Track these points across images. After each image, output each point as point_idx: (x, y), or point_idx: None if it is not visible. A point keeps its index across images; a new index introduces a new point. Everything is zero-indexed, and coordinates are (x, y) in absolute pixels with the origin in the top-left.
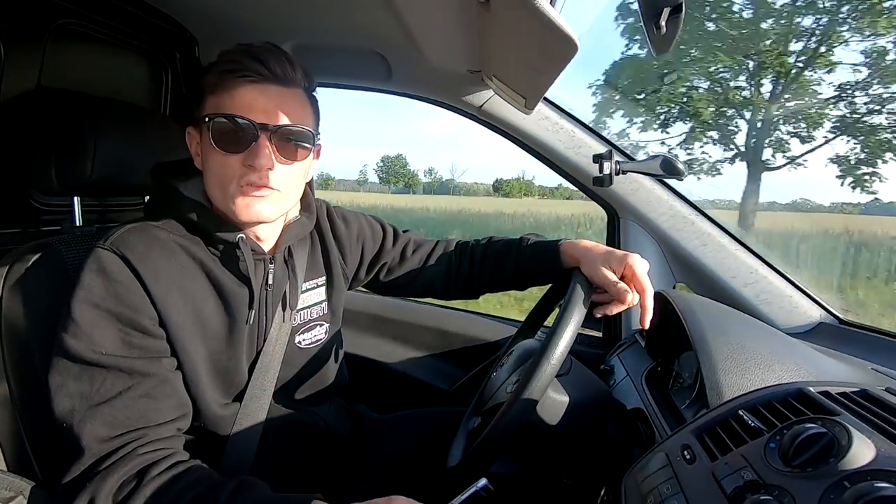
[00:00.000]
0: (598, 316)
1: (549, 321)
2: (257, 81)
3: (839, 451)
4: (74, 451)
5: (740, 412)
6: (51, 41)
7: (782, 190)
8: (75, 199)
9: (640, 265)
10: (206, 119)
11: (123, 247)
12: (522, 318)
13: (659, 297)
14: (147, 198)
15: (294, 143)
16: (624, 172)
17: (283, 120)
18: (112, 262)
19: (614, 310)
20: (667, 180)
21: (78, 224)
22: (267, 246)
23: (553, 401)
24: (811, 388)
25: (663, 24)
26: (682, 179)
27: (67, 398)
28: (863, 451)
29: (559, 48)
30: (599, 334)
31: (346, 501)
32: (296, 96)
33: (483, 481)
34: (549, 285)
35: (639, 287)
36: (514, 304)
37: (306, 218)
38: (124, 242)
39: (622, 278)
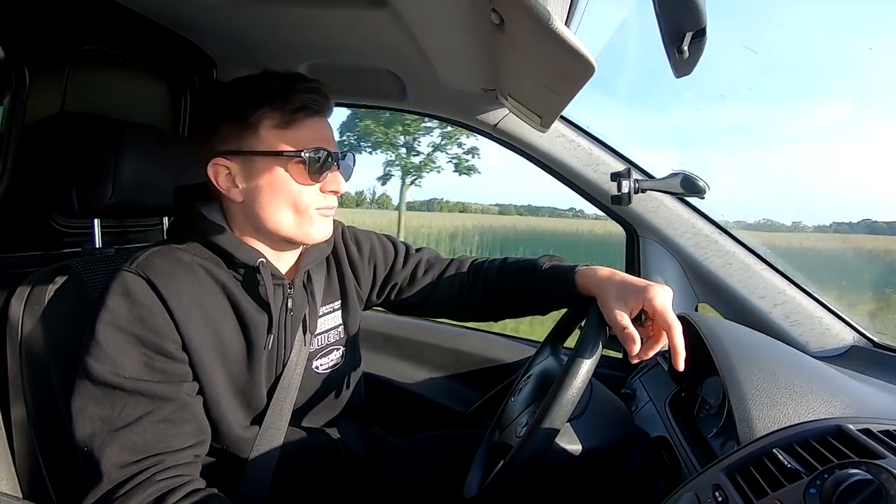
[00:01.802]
0: (635, 363)
1: (570, 341)
2: (322, 115)
3: (887, 501)
4: (93, 475)
5: (775, 451)
6: (73, 67)
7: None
8: (95, 221)
9: (661, 299)
10: (301, 154)
11: (148, 270)
12: (545, 334)
13: (681, 321)
14: (165, 219)
15: (347, 166)
16: (643, 191)
17: (336, 147)
18: (137, 285)
19: (649, 353)
20: (688, 198)
21: (98, 246)
22: (285, 270)
23: (565, 449)
24: (850, 426)
25: (686, 48)
26: (703, 197)
27: (88, 422)
28: None
29: (575, 69)
30: (620, 355)
31: None
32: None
33: None
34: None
35: (664, 324)
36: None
37: (325, 242)
38: (149, 266)
39: (643, 313)
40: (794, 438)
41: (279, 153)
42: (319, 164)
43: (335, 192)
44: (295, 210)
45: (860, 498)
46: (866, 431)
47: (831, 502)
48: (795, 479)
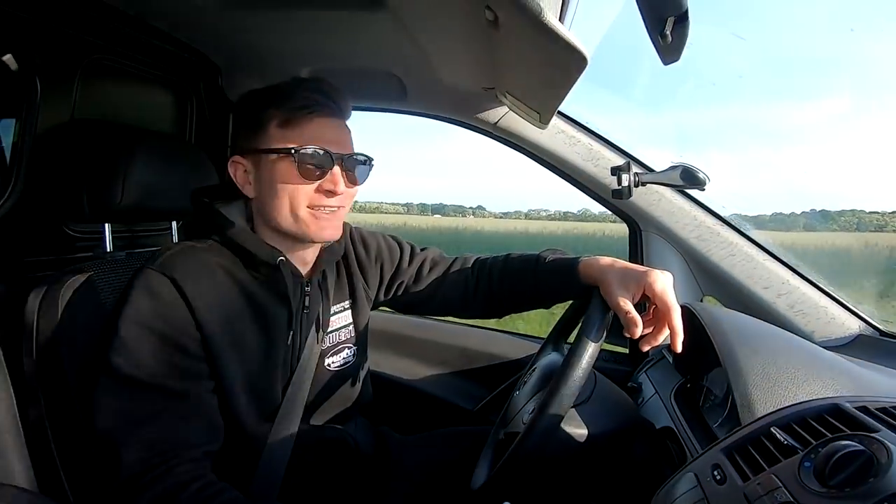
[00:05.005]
0: (646, 349)
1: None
2: (326, 115)
3: (878, 471)
4: (109, 469)
5: (772, 429)
6: (83, 75)
7: None
8: (106, 226)
9: (661, 282)
10: (293, 151)
11: (171, 269)
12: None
13: (685, 311)
14: (174, 224)
15: (358, 168)
16: (643, 184)
17: (347, 149)
18: (160, 282)
19: (658, 338)
20: (688, 190)
21: (108, 250)
22: (303, 269)
23: (571, 434)
24: (847, 403)
25: (668, 33)
26: (703, 189)
27: (108, 415)
28: None
29: (570, 62)
30: (626, 351)
31: None
32: (346, 126)
33: None
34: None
35: (663, 306)
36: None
37: (337, 242)
38: (172, 264)
39: (644, 298)
40: (793, 417)
41: (277, 150)
42: (311, 163)
43: (331, 193)
44: (290, 207)
45: (852, 468)
46: (863, 409)
47: (825, 474)
48: (792, 454)
